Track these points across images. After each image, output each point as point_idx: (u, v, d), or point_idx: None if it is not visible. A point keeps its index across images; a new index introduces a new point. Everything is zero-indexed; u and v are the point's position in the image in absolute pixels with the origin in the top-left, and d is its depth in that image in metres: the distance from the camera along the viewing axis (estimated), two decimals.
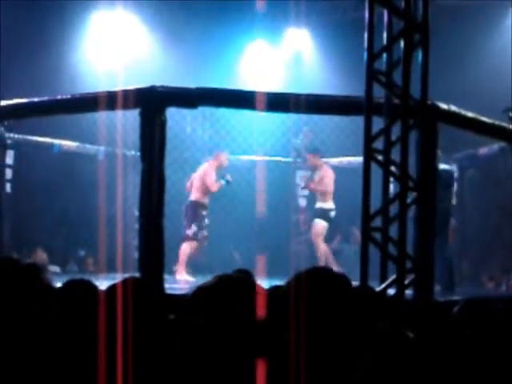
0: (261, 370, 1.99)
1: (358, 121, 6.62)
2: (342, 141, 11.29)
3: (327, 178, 10.38)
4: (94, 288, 2.87)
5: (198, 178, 10.31)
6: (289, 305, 2.13)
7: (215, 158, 10.47)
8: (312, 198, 11.94)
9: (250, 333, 1.91)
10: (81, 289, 2.83)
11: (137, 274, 6.05)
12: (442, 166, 8.04)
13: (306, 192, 11.87)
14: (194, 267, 11.48)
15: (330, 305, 2.15)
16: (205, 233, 10.18)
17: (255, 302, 1.97)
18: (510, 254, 9.81)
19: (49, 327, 2.62)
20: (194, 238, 10.09)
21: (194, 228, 10.08)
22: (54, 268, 10.82)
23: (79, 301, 2.74)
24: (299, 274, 2.28)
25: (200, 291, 1.98)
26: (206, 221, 10.21)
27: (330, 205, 10.35)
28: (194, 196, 10.23)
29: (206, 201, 10.26)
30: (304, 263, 10.04)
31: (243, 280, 1.99)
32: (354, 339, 2.16)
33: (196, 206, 10.17)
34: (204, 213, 10.20)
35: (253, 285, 2.02)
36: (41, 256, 10.79)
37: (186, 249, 10.03)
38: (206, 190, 10.19)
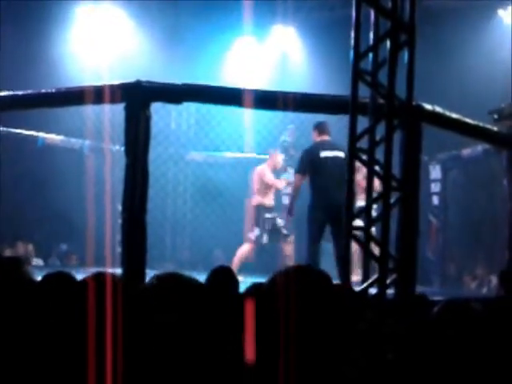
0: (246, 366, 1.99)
1: (343, 120, 6.63)
2: None
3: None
4: (74, 281, 2.87)
5: (254, 182, 10.18)
6: (270, 302, 2.13)
7: (270, 158, 10.31)
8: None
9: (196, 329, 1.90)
10: (60, 282, 2.83)
11: (111, 270, 6.05)
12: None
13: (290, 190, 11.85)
14: (177, 263, 11.49)
15: (312, 302, 2.16)
16: (284, 231, 9.92)
17: (198, 298, 1.95)
18: (492, 255, 9.86)
19: (27, 320, 2.62)
20: (255, 241, 9.98)
21: (256, 232, 9.96)
22: (37, 261, 10.80)
23: (58, 293, 2.74)
24: (281, 271, 2.28)
25: (143, 290, 1.97)
26: (280, 221, 9.93)
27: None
28: (254, 200, 10.09)
29: (267, 202, 10.04)
30: (288, 261, 10.05)
31: (180, 278, 1.97)
32: (337, 336, 2.16)
33: (257, 210, 10.02)
34: (268, 215, 9.93)
35: (192, 282, 2.00)
36: (26, 249, 10.76)
37: (244, 250, 9.94)
38: (264, 192, 10.02)
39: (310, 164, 8.44)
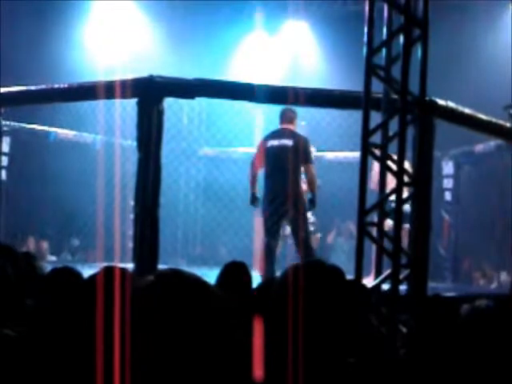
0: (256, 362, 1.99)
1: (355, 115, 6.61)
2: (339, 135, 11.28)
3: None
4: (78, 275, 2.88)
5: None
6: (284, 296, 2.13)
7: None
8: None
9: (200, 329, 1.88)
10: (65, 276, 2.84)
11: (123, 265, 6.06)
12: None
13: None
14: (189, 258, 11.49)
15: (326, 296, 2.15)
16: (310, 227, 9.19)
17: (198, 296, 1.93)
18: (503, 251, 9.83)
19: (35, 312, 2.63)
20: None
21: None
22: (50, 257, 10.83)
23: (63, 287, 2.75)
24: (294, 266, 2.28)
25: (142, 286, 1.96)
26: (311, 217, 9.40)
27: None
28: None
29: None
30: (295, 258, 10.06)
31: (181, 276, 1.96)
32: (347, 331, 2.16)
33: None
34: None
35: (194, 280, 1.98)
36: (40, 245, 10.79)
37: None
38: None
39: (260, 153, 8.09)
